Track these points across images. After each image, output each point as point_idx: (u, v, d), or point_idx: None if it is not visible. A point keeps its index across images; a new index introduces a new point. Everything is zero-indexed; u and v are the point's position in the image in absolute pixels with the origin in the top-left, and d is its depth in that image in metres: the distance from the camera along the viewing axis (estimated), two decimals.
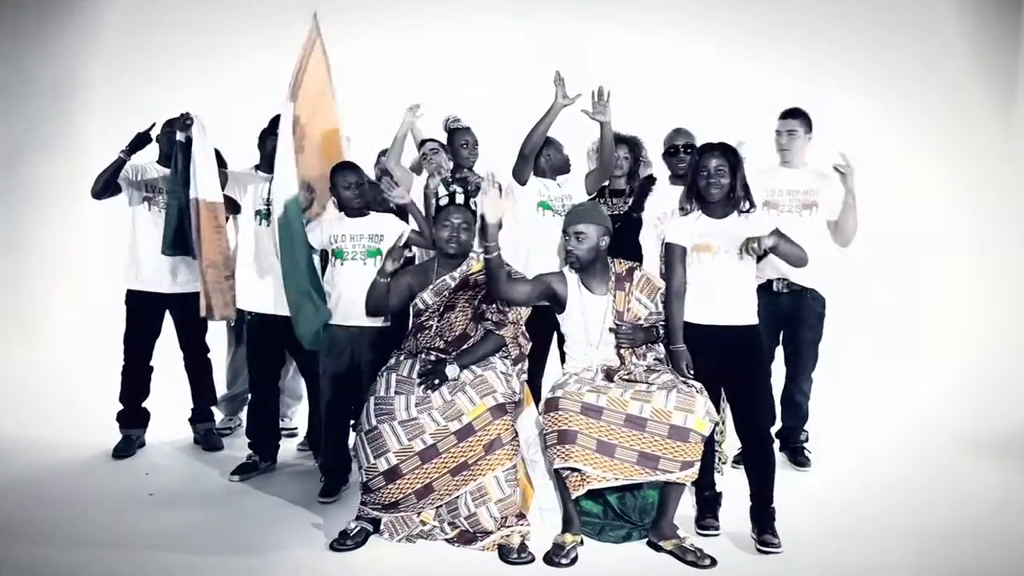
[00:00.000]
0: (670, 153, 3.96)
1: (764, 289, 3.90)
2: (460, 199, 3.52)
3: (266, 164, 3.96)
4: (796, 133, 4.05)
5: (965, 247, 5.71)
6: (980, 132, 5.74)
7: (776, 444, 4.02)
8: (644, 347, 3.34)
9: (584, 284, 3.37)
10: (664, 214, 3.71)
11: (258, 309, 3.91)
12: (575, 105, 3.63)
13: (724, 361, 3.23)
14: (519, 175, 3.79)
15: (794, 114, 4.08)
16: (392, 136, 4.29)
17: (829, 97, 5.16)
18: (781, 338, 4.12)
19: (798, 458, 4.17)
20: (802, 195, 4.01)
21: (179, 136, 3.94)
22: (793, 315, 4.04)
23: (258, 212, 3.94)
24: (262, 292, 3.88)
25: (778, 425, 4.01)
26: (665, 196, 3.82)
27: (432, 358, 3.42)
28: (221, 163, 4.20)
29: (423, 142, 4.40)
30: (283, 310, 3.73)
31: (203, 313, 3.92)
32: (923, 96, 5.76)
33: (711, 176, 3.23)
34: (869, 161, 4.14)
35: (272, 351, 3.96)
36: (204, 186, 3.86)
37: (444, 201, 3.52)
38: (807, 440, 4.24)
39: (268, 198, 3.85)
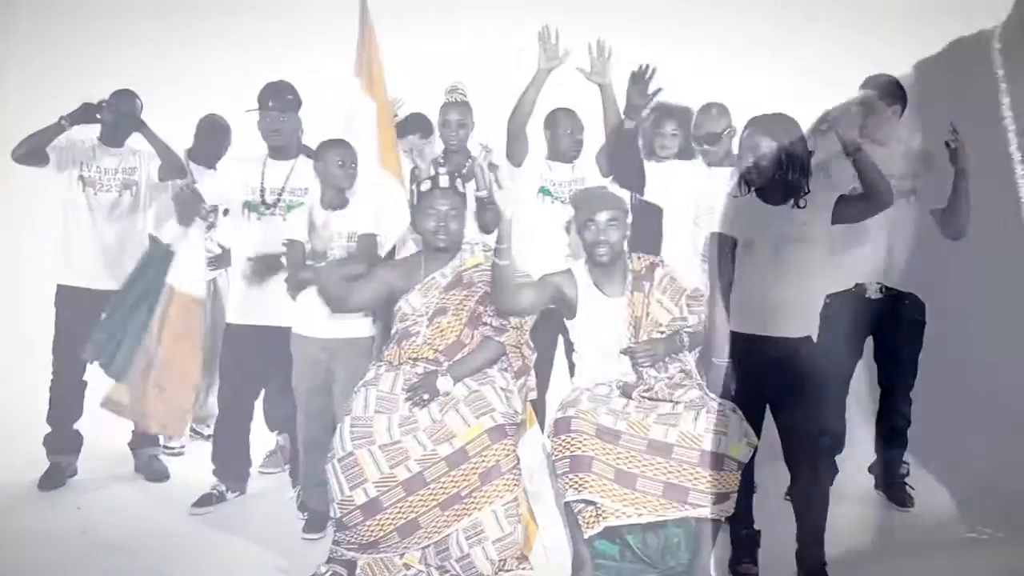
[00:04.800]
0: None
1: (853, 295, 3.57)
2: (444, 182, 3.23)
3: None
4: (892, 113, 3.51)
5: None
6: None
7: (872, 481, 3.78)
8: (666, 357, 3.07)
9: (596, 284, 3.08)
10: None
11: (237, 320, 3.63)
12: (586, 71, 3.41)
13: (772, 379, 2.93)
14: (511, 156, 3.64)
15: (879, 92, 3.49)
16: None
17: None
18: (873, 353, 3.74)
19: (899, 495, 3.71)
20: (896, 181, 3.37)
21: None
22: (888, 325, 3.63)
23: (247, 204, 3.56)
24: (244, 300, 3.58)
25: (850, 456, 3.62)
26: (689, 180, 3.50)
27: (420, 370, 3.14)
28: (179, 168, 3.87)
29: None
30: (265, 320, 3.49)
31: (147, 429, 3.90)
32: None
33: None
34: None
35: (251, 366, 3.67)
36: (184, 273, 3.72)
37: (426, 186, 3.24)
38: (908, 474, 3.78)
39: (262, 185, 3.52)
